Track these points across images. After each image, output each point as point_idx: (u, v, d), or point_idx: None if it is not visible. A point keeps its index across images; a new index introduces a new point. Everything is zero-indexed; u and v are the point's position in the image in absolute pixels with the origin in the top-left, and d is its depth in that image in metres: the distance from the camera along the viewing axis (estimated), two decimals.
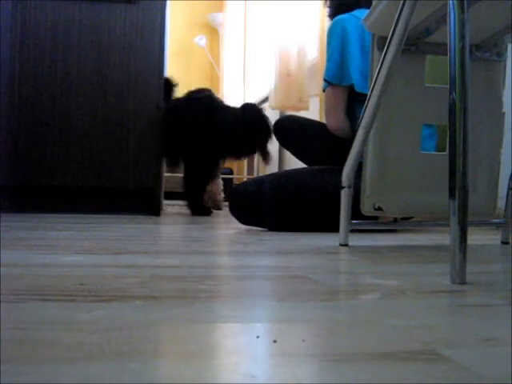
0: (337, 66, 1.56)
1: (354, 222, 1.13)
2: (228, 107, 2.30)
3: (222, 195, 2.71)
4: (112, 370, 0.32)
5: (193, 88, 2.38)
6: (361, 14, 1.59)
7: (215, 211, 2.51)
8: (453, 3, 0.70)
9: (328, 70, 1.59)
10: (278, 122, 1.83)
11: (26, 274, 0.66)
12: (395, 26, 0.93)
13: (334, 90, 1.58)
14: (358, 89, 1.55)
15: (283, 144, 1.87)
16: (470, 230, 0.67)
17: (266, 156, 2.27)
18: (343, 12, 1.62)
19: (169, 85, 2.40)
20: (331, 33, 1.60)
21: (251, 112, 2.23)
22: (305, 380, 0.32)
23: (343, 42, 1.56)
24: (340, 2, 1.70)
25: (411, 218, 1.53)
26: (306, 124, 1.80)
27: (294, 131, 1.78)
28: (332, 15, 1.73)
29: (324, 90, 1.63)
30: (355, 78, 1.55)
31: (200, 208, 2.25)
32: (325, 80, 1.60)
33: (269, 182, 1.58)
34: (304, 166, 1.79)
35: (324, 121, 1.66)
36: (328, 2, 1.78)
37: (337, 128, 1.59)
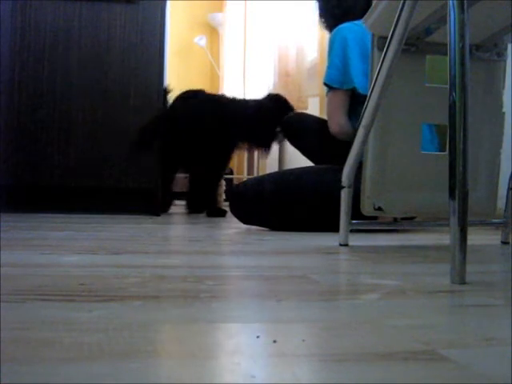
0: (338, 71, 1.58)
1: (353, 221, 1.13)
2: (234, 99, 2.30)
3: (223, 196, 2.70)
4: (112, 370, 0.32)
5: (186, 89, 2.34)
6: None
7: None
8: (453, 3, 0.70)
9: (328, 74, 1.60)
10: (286, 121, 1.82)
11: (26, 274, 0.66)
12: (395, 26, 0.93)
13: (334, 94, 1.59)
14: (362, 91, 1.54)
15: (292, 142, 1.85)
16: (470, 229, 0.67)
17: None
18: (341, 21, 1.62)
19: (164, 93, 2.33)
20: (332, 42, 1.61)
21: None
22: (305, 380, 0.32)
23: (344, 49, 1.57)
24: (334, 12, 1.70)
25: (413, 218, 1.53)
26: (316, 122, 1.79)
27: (303, 130, 1.77)
28: (329, 26, 1.73)
29: (327, 95, 1.63)
30: (357, 81, 1.54)
31: (216, 209, 2.22)
32: (325, 84, 1.60)
33: (268, 181, 1.58)
34: (303, 165, 1.79)
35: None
36: (322, 16, 1.79)
37: (338, 132, 1.59)
